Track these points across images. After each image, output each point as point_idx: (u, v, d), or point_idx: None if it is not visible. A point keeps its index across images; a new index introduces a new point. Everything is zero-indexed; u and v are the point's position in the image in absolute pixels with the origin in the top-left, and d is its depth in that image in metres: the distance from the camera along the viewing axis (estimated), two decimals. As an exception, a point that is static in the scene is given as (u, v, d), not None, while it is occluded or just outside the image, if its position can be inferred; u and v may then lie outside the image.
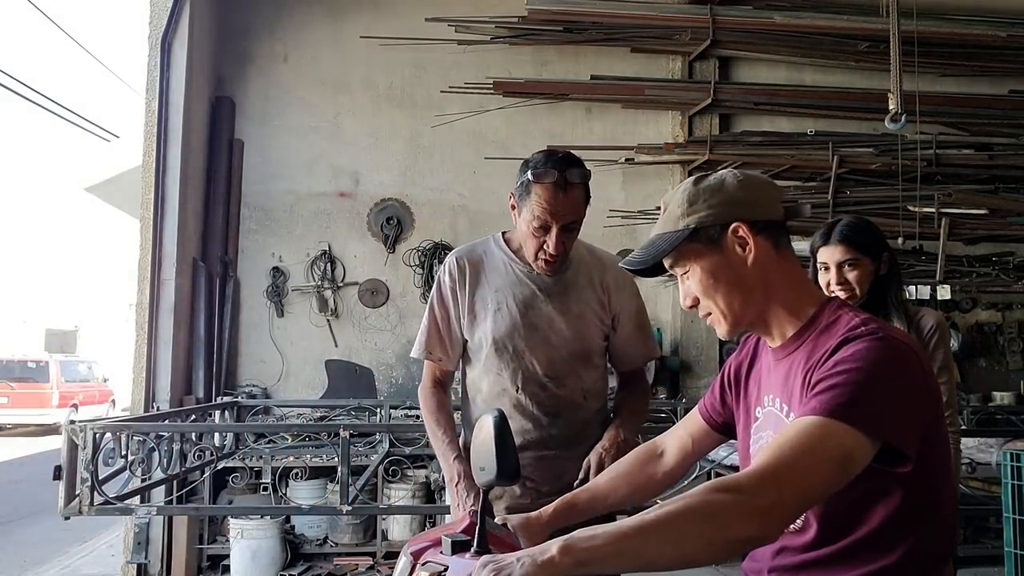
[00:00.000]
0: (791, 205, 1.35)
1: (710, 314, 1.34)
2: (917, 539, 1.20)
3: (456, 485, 1.93)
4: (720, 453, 3.86)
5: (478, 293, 2.07)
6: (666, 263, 1.34)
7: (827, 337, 1.23)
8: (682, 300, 1.38)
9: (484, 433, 1.27)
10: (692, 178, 1.35)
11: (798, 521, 1.26)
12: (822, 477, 1.08)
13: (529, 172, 1.93)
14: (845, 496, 1.17)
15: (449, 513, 2.18)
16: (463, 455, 1.97)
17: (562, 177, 1.91)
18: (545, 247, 1.95)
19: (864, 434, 1.10)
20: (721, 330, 1.34)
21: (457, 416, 2.19)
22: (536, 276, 2.05)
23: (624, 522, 1.03)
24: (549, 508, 1.48)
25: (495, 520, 1.41)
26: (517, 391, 2.03)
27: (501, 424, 1.25)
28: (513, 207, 2.01)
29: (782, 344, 1.33)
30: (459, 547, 1.20)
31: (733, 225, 1.28)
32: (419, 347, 2.13)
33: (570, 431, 2.03)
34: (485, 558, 1.04)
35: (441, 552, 1.22)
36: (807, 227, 5.37)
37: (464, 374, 2.16)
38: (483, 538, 1.21)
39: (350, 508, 3.76)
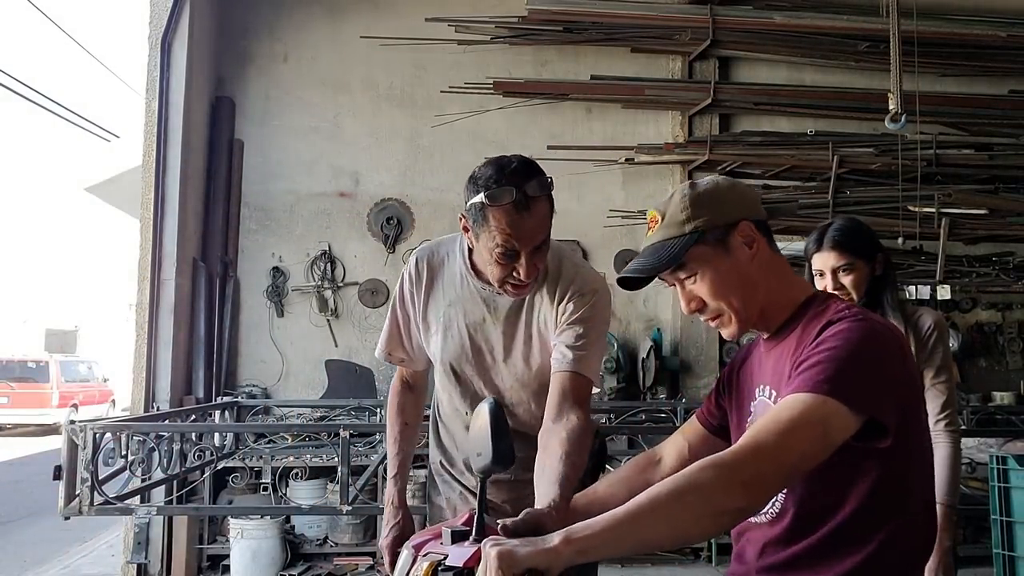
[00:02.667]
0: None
1: (717, 317, 1.36)
2: (894, 529, 1.22)
3: (388, 504, 1.96)
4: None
5: (431, 303, 1.92)
6: (666, 273, 1.35)
7: (815, 323, 1.28)
8: (684, 306, 1.38)
9: (480, 420, 1.29)
10: (685, 185, 1.37)
11: (775, 508, 1.29)
12: (802, 448, 1.12)
13: (482, 195, 1.63)
14: (821, 479, 1.21)
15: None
16: (402, 475, 1.99)
17: (522, 194, 1.62)
18: (516, 274, 1.70)
19: (844, 405, 1.14)
20: (729, 331, 1.37)
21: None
22: (489, 294, 1.85)
23: (619, 508, 1.08)
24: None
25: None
26: (467, 414, 1.92)
27: (496, 411, 1.27)
28: (466, 229, 1.74)
29: (774, 333, 1.38)
30: (458, 537, 1.23)
31: (741, 224, 1.32)
32: (380, 346, 2.03)
33: (525, 454, 1.70)
34: (491, 538, 1.08)
35: (441, 543, 1.25)
36: (806, 227, 5.38)
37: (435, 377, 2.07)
38: (481, 527, 1.23)
39: (350, 508, 3.76)
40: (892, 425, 1.17)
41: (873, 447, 1.19)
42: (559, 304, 1.82)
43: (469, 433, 1.35)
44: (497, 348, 1.88)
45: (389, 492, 1.98)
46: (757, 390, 1.40)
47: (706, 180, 1.37)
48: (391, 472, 1.99)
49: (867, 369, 1.18)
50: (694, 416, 1.62)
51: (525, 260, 1.68)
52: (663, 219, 1.35)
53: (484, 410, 1.29)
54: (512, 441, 1.29)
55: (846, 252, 2.22)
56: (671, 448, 1.61)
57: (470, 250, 1.86)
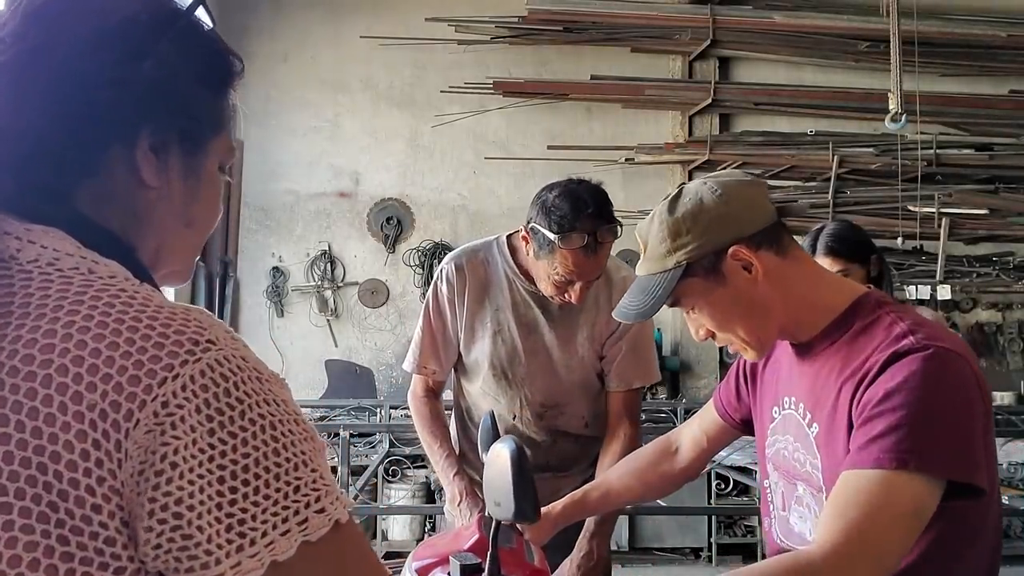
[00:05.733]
0: (783, 204, 1.28)
1: (730, 343, 1.21)
2: (963, 565, 1.12)
3: (459, 505, 1.83)
4: (720, 453, 3.85)
5: (477, 309, 1.91)
6: (666, 305, 1.21)
7: (866, 340, 1.10)
8: (694, 333, 1.24)
9: (500, 465, 1.13)
10: (664, 204, 1.17)
11: None
12: (899, 537, 1.00)
13: (557, 237, 1.66)
14: None
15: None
16: (462, 470, 1.89)
17: (593, 239, 1.67)
18: (567, 296, 1.78)
19: (932, 479, 1.01)
20: (749, 356, 1.24)
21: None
22: (541, 297, 1.87)
23: None
24: (558, 505, 1.46)
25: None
26: (514, 418, 1.92)
27: (519, 457, 1.12)
28: (526, 240, 1.80)
29: (808, 342, 1.19)
30: (469, 571, 1.15)
31: (731, 250, 1.13)
32: (412, 360, 1.99)
33: (569, 454, 1.97)
34: None
35: (448, 573, 1.17)
36: (806, 227, 5.38)
37: (458, 380, 2.04)
38: (496, 568, 1.14)
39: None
40: (983, 481, 1.03)
41: (959, 504, 1.05)
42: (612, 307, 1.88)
43: (486, 474, 1.25)
44: (551, 349, 1.90)
45: (456, 488, 1.84)
46: (784, 399, 1.24)
47: (688, 196, 1.16)
48: (451, 471, 1.87)
49: (950, 428, 1.03)
50: (710, 406, 1.49)
51: (580, 288, 1.75)
52: (645, 249, 1.19)
53: (504, 455, 1.12)
54: (536, 493, 1.14)
55: (841, 257, 2.20)
56: (688, 439, 1.52)
57: (512, 251, 1.91)
